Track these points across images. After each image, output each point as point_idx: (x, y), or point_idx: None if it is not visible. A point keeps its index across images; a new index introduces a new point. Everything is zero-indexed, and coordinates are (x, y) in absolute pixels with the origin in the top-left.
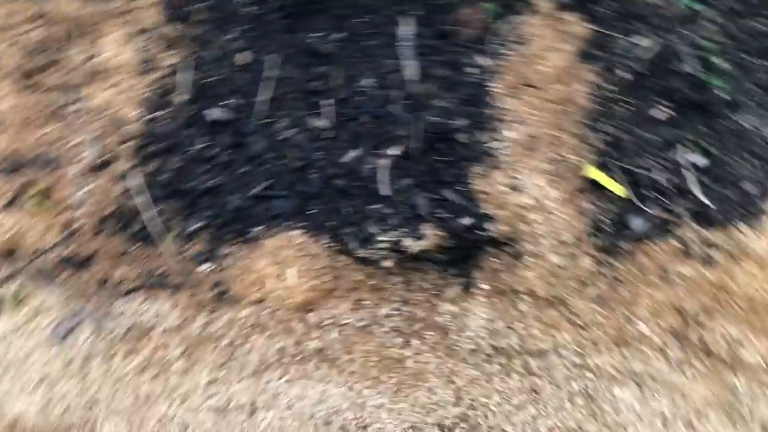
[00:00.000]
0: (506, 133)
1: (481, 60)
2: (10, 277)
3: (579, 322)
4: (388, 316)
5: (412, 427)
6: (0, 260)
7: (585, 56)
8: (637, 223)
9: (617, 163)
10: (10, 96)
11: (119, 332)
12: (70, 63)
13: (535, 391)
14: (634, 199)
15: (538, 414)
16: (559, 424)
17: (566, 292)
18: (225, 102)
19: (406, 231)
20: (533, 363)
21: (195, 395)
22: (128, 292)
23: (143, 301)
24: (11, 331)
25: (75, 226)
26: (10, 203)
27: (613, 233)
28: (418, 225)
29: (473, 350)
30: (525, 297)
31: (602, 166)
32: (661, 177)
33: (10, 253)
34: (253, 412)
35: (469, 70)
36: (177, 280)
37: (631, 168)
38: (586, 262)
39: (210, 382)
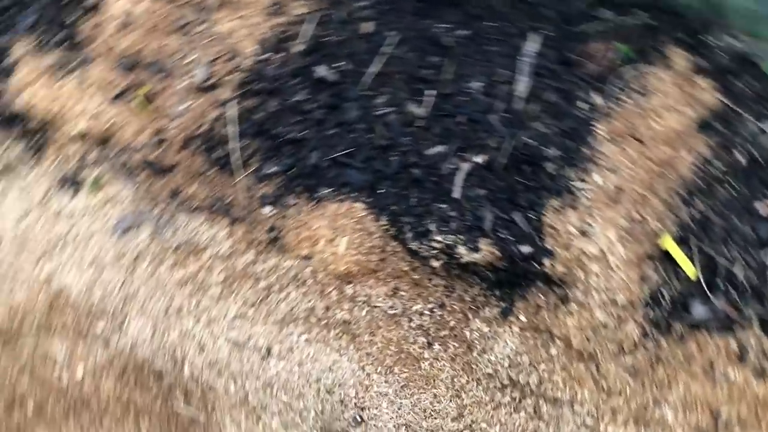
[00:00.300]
0: (596, 177)
1: (595, 98)
2: (96, 163)
3: (604, 385)
4: (420, 313)
5: (406, 425)
6: (93, 145)
7: (704, 127)
8: (698, 310)
9: (699, 243)
10: (146, 1)
11: (173, 243)
12: None
13: None
14: (704, 286)
15: None
16: None
17: (602, 351)
18: (336, 64)
19: (464, 239)
20: (545, 408)
21: (220, 323)
22: (193, 210)
23: (203, 223)
24: (81, 212)
25: (166, 135)
26: (117, 96)
27: (669, 311)
28: (477, 237)
29: (490, 375)
30: (559, 342)
31: (681, 241)
32: (741, 272)
33: (104, 141)
34: (266, 356)
35: (580, 104)
36: (239, 214)
37: (712, 254)
38: (632, 330)
39: (237, 316)
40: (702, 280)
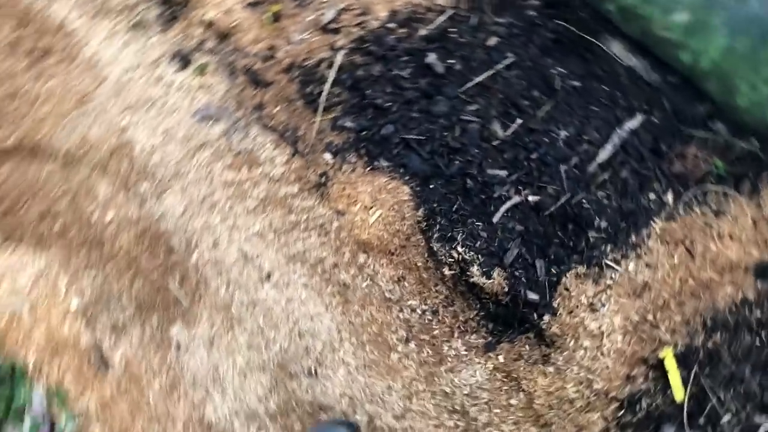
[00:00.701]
0: (631, 264)
1: (668, 197)
2: (209, 52)
3: None
4: (413, 309)
5: (350, 397)
6: (213, 36)
7: (761, 273)
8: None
9: (699, 373)
10: None
11: (237, 148)
12: None
13: None
14: (685, 415)
15: None
16: None
17: (558, 424)
18: (449, 60)
19: (481, 261)
20: None
21: (241, 232)
22: (268, 128)
23: (270, 142)
24: (178, 87)
25: (276, 54)
26: (252, 4)
27: (640, 419)
28: (494, 265)
29: (446, 394)
30: (522, 396)
31: (683, 362)
32: (727, 422)
33: (223, 36)
34: (264, 279)
35: (650, 195)
36: (303, 149)
37: (708, 389)
38: (596, 419)
39: (257, 234)
40: (685, 409)
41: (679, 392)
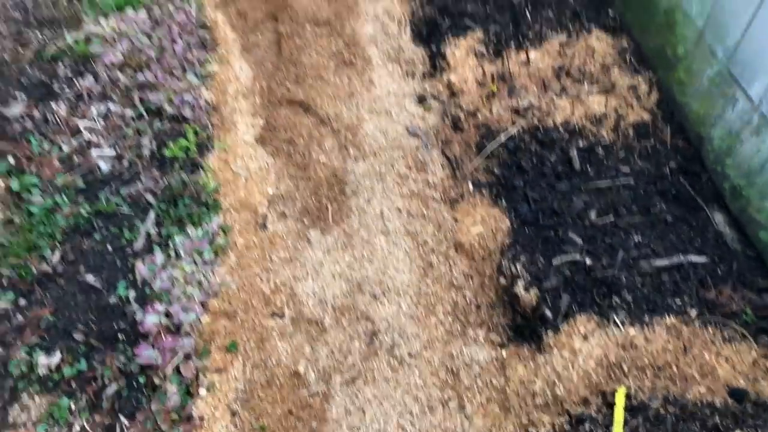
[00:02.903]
0: (632, 331)
1: (691, 311)
2: (438, 99)
3: None
4: (464, 297)
5: (388, 323)
6: (447, 91)
7: (737, 397)
8: None
9: (640, 424)
10: None
11: (419, 157)
12: None
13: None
14: None
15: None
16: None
17: (517, 411)
18: (586, 163)
19: (528, 280)
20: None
21: (388, 201)
22: (444, 154)
23: (440, 163)
24: (408, 111)
25: (477, 114)
26: (481, 83)
27: None
28: (535, 285)
29: (452, 356)
30: (502, 380)
31: (632, 409)
32: None
33: (453, 94)
34: (384, 233)
35: (677, 301)
36: (458, 175)
37: None
38: (545, 420)
39: (397, 208)
40: None
41: (618, 429)
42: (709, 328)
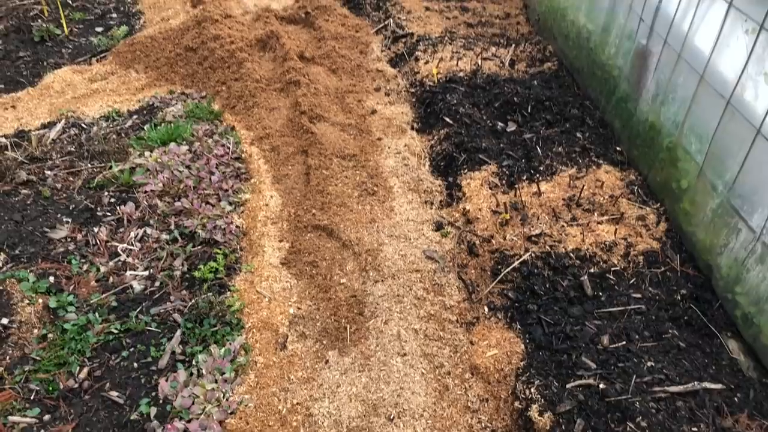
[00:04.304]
0: None
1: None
2: (455, 225)
3: None
4: (479, 422)
5: None
6: (462, 218)
7: None
8: None
9: None
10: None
11: (436, 280)
12: None
13: None
14: None
15: None
16: None
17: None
18: (597, 290)
19: (541, 403)
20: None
21: (405, 323)
22: (460, 278)
23: (456, 287)
24: (426, 237)
25: (492, 241)
26: (495, 212)
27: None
28: (549, 409)
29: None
30: None
31: None
32: None
33: (468, 221)
34: (400, 354)
35: (693, 429)
36: (474, 298)
37: None
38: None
39: (413, 329)
40: None
41: None
42: None
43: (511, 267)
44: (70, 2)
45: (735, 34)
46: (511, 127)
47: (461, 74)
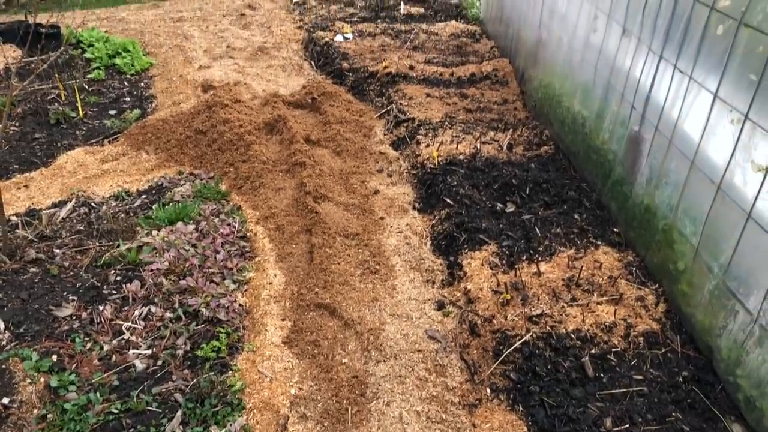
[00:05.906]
0: None
1: None
2: (456, 305)
3: None
4: None
5: None
6: (464, 298)
7: None
8: None
9: None
10: None
11: (438, 361)
12: None
13: None
14: None
15: None
16: None
17: None
18: (599, 371)
19: None
20: None
21: (407, 404)
22: (462, 358)
23: (458, 368)
24: (428, 316)
25: (493, 321)
26: (496, 291)
27: None
28: None
29: None
30: None
31: None
32: None
33: (470, 301)
34: None
35: None
36: (476, 379)
37: None
38: None
39: (417, 412)
40: None
41: None
42: None
43: (512, 347)
44: (87, 87)
45: (721, 123)
46: (510, 208)
47: (461, 157)
